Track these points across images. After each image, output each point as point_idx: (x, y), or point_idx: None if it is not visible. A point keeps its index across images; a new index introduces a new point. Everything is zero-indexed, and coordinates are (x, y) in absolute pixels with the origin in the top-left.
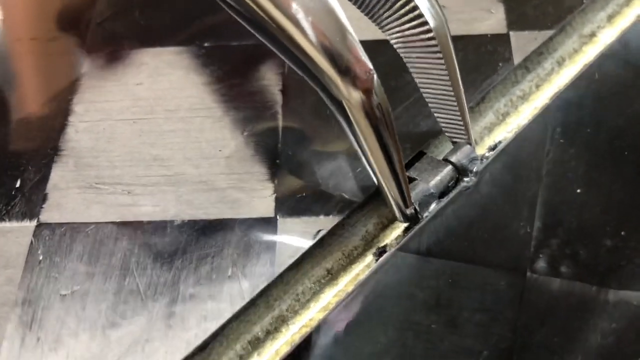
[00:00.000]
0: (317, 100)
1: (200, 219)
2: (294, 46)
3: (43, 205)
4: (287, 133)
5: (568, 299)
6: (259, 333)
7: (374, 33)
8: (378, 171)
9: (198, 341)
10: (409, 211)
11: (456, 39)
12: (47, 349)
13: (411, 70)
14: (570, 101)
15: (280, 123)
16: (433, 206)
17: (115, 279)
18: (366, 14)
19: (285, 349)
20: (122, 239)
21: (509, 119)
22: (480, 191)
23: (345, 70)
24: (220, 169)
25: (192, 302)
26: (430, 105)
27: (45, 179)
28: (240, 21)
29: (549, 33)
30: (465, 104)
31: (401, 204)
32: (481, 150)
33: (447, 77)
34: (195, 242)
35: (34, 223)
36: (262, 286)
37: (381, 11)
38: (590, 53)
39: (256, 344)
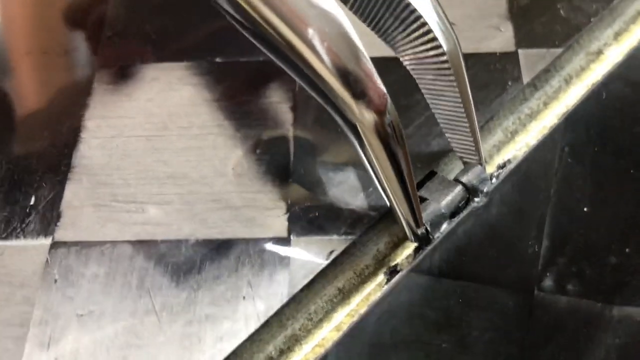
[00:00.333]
0: (328, 117)
1: (214, 238)
2: (309, 70)
3: (58, 223)
4: (298, 151)
5: (574, 316)
6: (273, 352)
7: (383, 50)
8: (390, 192)
9: None
10: (420, 231)
11: (465, 57)
12: None
13: (423, 90)
14: (578, 120)
15: (292, 141)
16: (444, 226)
17: (132, 299)
18: (379, 36)
19: None
20: (137, 258)
21: (518, 137)
22: (490, 211)
23: (360, 94)
24: (234, 187)
25: (208, 322)
26: (441, 124)
27: (59, 196)
28: (256, 43)
29: (557, 51)
30: (477, 126)
31: (412, 224)
32: (490, 168)
33: (459, 99)
34: (210, 262)
35: (49, 241)
36: (277, 307)
37: (395, 33)
38: (597, 71)
39: None
